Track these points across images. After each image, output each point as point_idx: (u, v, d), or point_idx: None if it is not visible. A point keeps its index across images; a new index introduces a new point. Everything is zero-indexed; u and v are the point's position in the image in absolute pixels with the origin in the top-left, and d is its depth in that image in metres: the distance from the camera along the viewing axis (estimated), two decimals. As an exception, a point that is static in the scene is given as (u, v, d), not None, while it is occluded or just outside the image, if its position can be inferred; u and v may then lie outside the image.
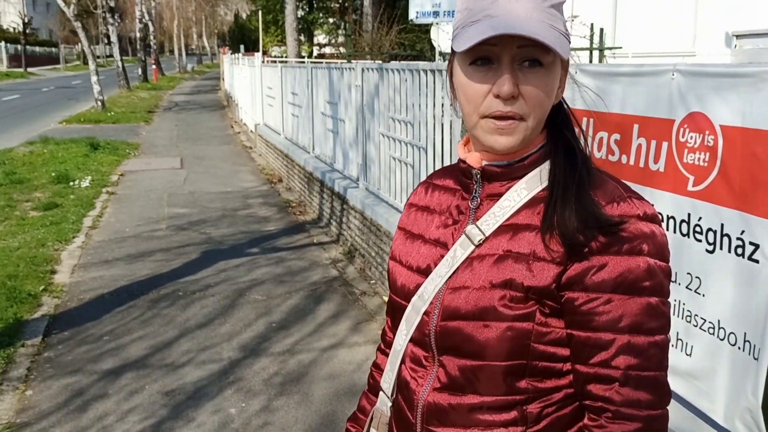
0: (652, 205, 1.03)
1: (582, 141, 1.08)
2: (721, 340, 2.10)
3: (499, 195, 1.06)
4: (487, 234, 1.05)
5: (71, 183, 9.52)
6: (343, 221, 6.50)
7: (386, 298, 5.15)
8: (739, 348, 2.03)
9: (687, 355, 2.24)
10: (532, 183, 1.05)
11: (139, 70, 35.39)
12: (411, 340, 1.11)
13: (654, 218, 1.00)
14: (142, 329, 4.58)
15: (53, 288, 5.40)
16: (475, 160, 1.07)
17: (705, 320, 2.16)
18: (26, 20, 47.17)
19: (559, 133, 1.06)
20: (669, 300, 1.01)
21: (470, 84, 1.00)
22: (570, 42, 1.02)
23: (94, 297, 5.20)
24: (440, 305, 1.06)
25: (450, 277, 1.06)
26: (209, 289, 5.37)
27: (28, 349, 4.29)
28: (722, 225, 2.04)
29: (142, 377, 3.90)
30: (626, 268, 0.96)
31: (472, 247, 1.05)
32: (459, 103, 1.04)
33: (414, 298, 1.10)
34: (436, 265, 1.09)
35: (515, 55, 0.97)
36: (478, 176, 1.08)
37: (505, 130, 0.99)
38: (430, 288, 1.08)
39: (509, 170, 1.06)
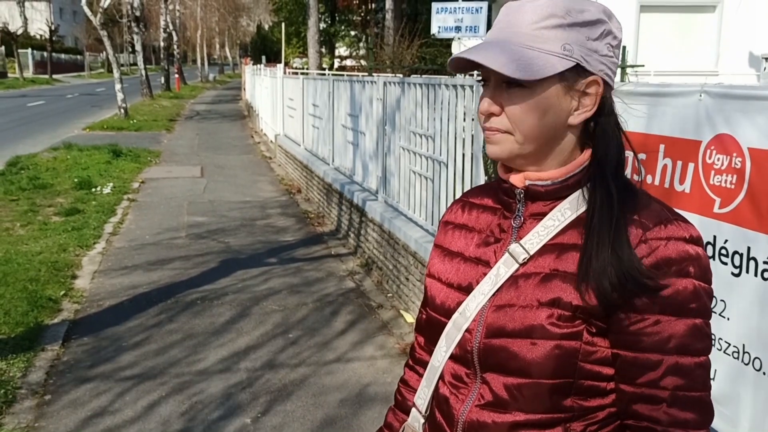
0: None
1: (631, 163, 1.09)
2: (746, 364, 2.07)
3: (543, 214, 1.07)
4: (531, 253, 1.06)
5: (93, 189, 9.63)
6: (361, 233, 6.51)
7: (403, 312, 5.15)
8: (764, 373, 2.00)
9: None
10: (576, 203, 1.06)
11: (162, 79, 35.75)
12: (451, 357, 1.12)
13: (699, 241, 1.01)
14: (161, 336, 4.61)
15: (74, 293, 5.46)
16: (518, 179, 1.08)
17: (729, 344, 2.13)
18: (53, 28, 47.97)
19: (594, 162, 1.06)
20: (710, 322, 1.02)
21: (479, 101, 1.08)
22: (570, 60, 1.01)
23: (113, 303, 5.24)
24: (483, 323, 1.07)
25: (493, 294, 1.07)
26: (227, 297, 5.40)
27: (47, 353, 4.33)
28: (749, 248, 2.02)
29: (160, 384, 3.92)
30: (674, 290, 0.97)
31: (516, 265, 1.06)
32: None
33: (455, 315, 1.11)
34: (478, 282, 1.10)
35: (499, 77, 1.02)
36: (522, 196, 1.09)
37: (490, 139, 1.06)
38: (472, 305, 1.09)
39: (553, 190, 1.07)
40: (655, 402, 0.98)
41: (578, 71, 1.02)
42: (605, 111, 1.05)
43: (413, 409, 1.22)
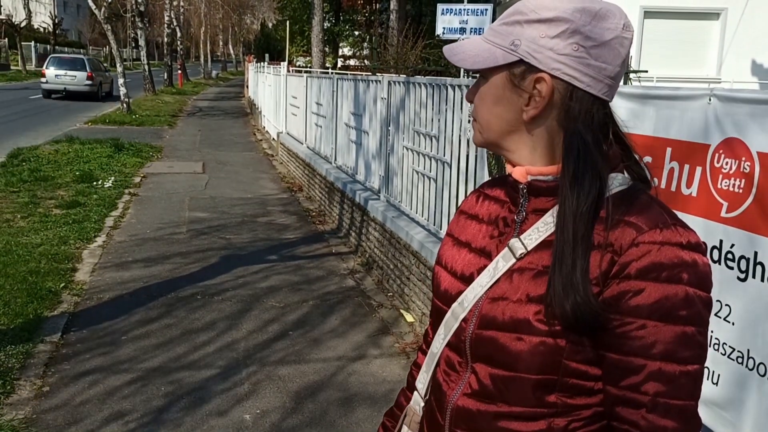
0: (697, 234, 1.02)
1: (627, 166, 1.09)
2: (750, 369, 2.06)
3: (544, 210, 1.07)
4: (528, 248, 1.06)
5: (94, 183, 9.62)
6: (363, 232, 6.50)
7: (403, 311, 5.15)
8: (768, 379, 1.99)
9: (713, 383, 2.21)
10: None
11: (165, 75, 35.74)
12: (447, 345, 1.13)
13: (697, 247, 0.99)
14: (160, 331, 4.60)
15: (73, 286, 5.45)
16: (520, 174, 1.09)
17: (734, 349, 2.13)
18: (56, 21, 47.92)
19: (563, 166, 1.03)
20: (707, 331, 0.99)
21: None
22: (532, 56, 1.02)
23: (113, 296, 5.23)
24: (478, 314, 1.08)
25: (490, 287, 1.08)
26: (227, 293, 5.39)
27: (46, 345, 4.32)
28: (756, 253, 2.01)
29: (158, 378, 3.91)
30: (663, 295, 0.95)
31: (514, 260, 1.07)
32: None
33: (454, 305, 1.12)
34: (479, 274, 1.10)
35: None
36: (524, 191, 1.09)
37: (472, 126, 1.14)
38: (470, 296, 1.10)
39: (555, 186, 1.06)
40: (635, 406, 0.97)
41: (528, 67, 1.02)
42: (569, 114, 1.02)
43: (415, 392, 1.25)
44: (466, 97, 1.13)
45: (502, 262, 1.07)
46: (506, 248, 1.08)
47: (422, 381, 1.21)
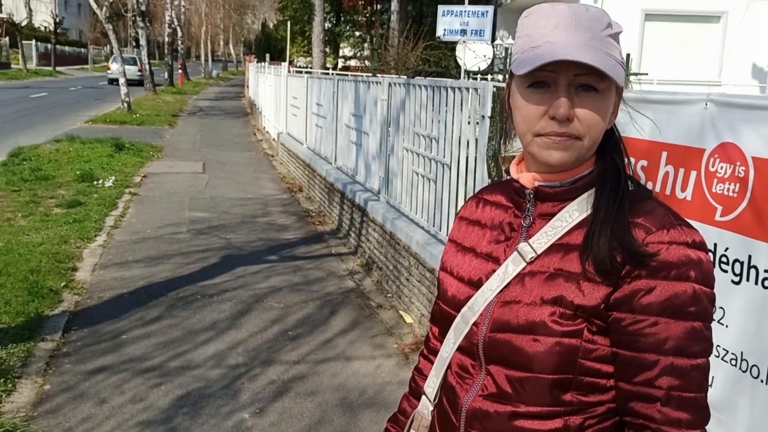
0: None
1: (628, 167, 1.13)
2: (744, 372, 2.09)
3: (551, 215, 1.11)
4: (538, 252, 1.09)
5: (95, 182, 9.64)
6: (362, 233, 6.53)
7: (402, 312, 5.16)
8: (762, 381, 2.02)
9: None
10: (584, 205, 1.09)
11: (166, 74, 35.80)
12: (458, 349, 1.16)
13: (702, 246, 1.03)
14: (160, 330, 4.63)
15: (74, 285, 5.47)
16: (527, 180, 1.12)
17: (727, 351, 2.15)
18: (57, 20, 47.94)
19: (609, 157, 1.10)
20: (711, 325, 1.04)
21: (527, 105, 1.06)
22: (625, 70, 1.05)
23: (113, 296, 5.25)
24: (490, 317, 1.10)
25: (501, 291, 1.11)
26: (227, 293, 5.41)
27: (47, 343, 4.34)
28: (750, 257, 2.04)
29: (158, 377, 3.94)
30: (673, 293, 1.00)
31: (524, 264, 1.10)
32: (514, 122, 1.11)
33: (464, 309, 1.14)
34: (487, 278, 1.13)
35: (571, 81, 1.03)
36: (531, 196, 1.12)
37: (560, 145, 1.05)
38: (480, 300, 1.12)
39: (562, 191, 1.10)
40: (650, 400, 1.01)
41: None
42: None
43: (423, 397, 1.26)
44: (568, 116, 1.02)
45: (511, 266, 1.11)
46: (515, 252, 1.11)
47: (431, 385, 1.23)
